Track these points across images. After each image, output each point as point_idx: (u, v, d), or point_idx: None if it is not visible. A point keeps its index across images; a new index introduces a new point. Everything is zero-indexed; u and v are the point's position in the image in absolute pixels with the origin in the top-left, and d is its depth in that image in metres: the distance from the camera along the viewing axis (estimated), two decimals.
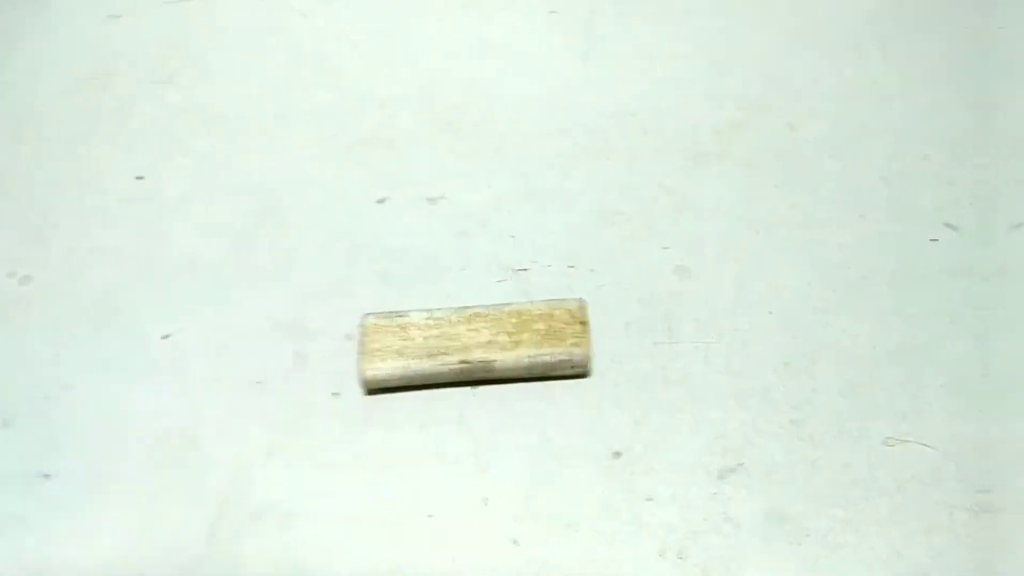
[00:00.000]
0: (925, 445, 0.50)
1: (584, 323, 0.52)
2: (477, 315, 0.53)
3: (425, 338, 0.52)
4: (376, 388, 0.53)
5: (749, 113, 0.65)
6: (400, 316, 0.53)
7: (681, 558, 0.47)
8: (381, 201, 0.61)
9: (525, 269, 0.58)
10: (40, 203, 0.63)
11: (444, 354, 0.51)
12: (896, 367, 0.53)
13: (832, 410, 0.51)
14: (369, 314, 0.53)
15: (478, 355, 0.51)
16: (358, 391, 0.53)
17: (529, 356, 0.51)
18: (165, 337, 0.56)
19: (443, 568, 0.47)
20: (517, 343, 0.52)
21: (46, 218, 0.62)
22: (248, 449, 0.51)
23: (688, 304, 0.56)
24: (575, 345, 0.52)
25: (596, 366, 0.53)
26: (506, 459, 0.50)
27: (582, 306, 0.53)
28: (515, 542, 0.48)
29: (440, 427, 0.52)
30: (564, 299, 0.54)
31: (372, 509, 0.49)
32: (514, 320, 0.52)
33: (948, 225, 0.59)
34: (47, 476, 0.51)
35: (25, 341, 0.56)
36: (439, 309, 0.53)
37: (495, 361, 0.51)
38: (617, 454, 0.50)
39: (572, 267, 0.58)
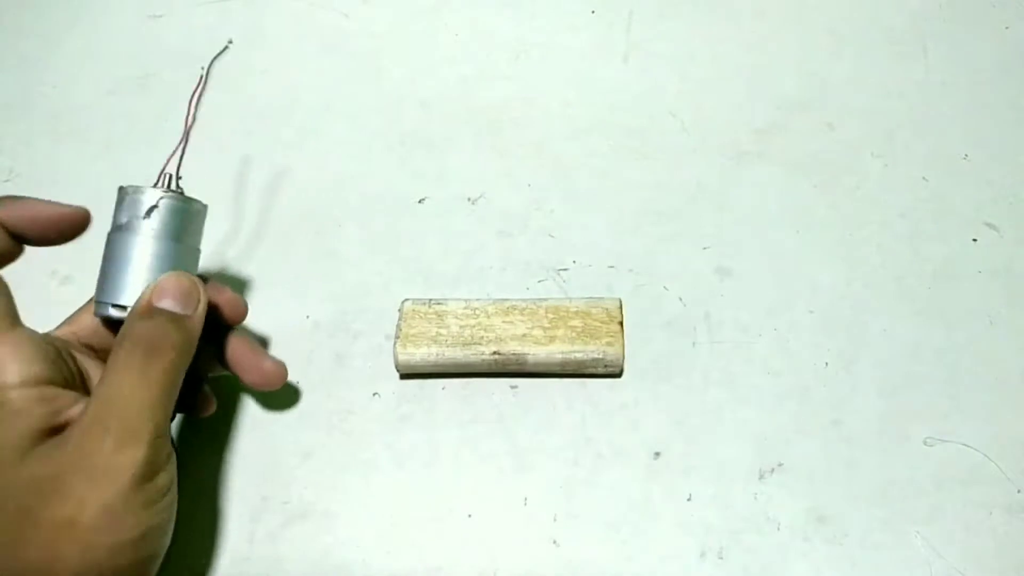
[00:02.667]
0: (965, 445, 0.50)
1: (620, 323, 0.53)
2: (514, 308, 0.53)
3: (461, 327, 0.52)
4: (409, 373, 0.53)
5: (789, 113, 0.65)
6: (438, 304, 0.54)
7: (721, 558, 0.47)
8: (421, 201, 0.62)
9: (565, 269, 0.58)
10: (80, 203, 0.63)
11: (478, 344, 0.52)
12: (936, 367, 0.53)
13: (872, 410, 0.52)
14: (407, 299, 0.54)
15: (511, 348, 0.52)
16: (398, 391, 0.54)
17: (562, 352, 0.52)
18: None
19: (482, 568, 0.47)
20: (551, 339, 0.52)
21: None
22: (287, 449, 0.52)
23: (728, 304, 0.56)
24: (609, 344, 0.52)
25: (636, 366, 0.53)
26: (546, 459, 0.51)
27: (619, 306, 0.53)
28: (554, 542, 0.48)
29: (479, 427, 0.52)
30: (602, 298, 0.54)
31: (411, 509, 0.50)
32: (550, 316, 0.53)
33: (989, 225, 0.59)
34: None
35: None
36: (477, 300, 0.54)
37: (528, 355, 0.52)
38: (657, 454, 0.51)
39: (612, 267, 0.58)
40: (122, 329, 0.40)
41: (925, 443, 0.50)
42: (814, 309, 0.56)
